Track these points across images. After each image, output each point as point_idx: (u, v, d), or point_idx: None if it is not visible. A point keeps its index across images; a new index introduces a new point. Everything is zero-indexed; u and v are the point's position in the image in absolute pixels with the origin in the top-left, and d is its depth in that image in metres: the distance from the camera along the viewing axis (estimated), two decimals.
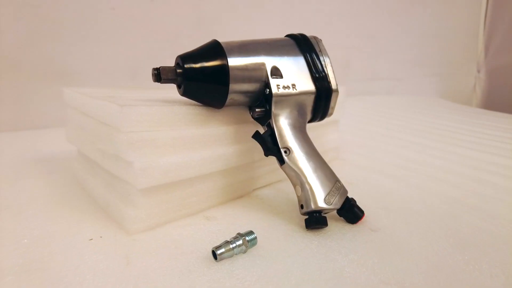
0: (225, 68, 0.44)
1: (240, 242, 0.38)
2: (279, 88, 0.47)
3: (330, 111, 0.53)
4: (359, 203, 0.52)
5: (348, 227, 0.46)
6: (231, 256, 0.38)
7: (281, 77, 0.47)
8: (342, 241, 0.42)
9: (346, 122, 1.08)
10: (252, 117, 0.49)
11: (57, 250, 0.40)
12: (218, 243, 0.38)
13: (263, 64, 0.46)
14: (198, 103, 0.48)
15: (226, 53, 0.44)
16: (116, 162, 0.45)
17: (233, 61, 0.44)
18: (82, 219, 0.47)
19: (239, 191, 0.56)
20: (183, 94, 0.46)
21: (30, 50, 0.92)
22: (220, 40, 0.46)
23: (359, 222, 0.47)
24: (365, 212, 0.49)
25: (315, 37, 0.53)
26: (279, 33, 0.54)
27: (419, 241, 0.42)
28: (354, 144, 0.85)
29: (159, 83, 0.44)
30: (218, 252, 0.37)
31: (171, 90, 0.53)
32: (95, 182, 0.53)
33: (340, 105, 0.71)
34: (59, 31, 0.94)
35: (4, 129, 0.91)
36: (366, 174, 0.65)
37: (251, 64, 0.46)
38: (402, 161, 0.72)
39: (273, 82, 0.47)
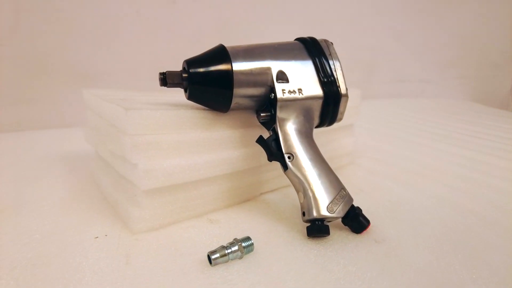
0: (229, 73, 0.44)
1: (236, 248, 0.38)
2: (285, 92, 0.46)
3: (339, 116, 0.51)
4: (367, 211, 0.51)
5: (352, 236, 0.45)
6: (226, 261, 0.38)
7: (287, 81, 0.47)
8: (343, 251, 0.41)
9: (367, 126, 1.05)
10: (259, 121, 0.49)
11: (64, 246, 0.42)
12: (216, 247, 0.39)
13: (269, 69, 0.46)
14: (204, 107, 0.49)
15: (231, 57, 0.44)
16: (123, 163, 0.46)
17: (238, 66, 0.44)
18: (92, 217, 0.49)
19: (245, 194, 0.56)
20: (189, 98, 0.46)
21: (59, 53, 0.96)
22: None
23: (364, 232, 0.45)
24: (372, 221, 0.48)
25: (325, 40, 0.52)
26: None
27: (424, 255, 0.40)
28: (372, 149, 0.83)
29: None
30: (213, 257, 0.37)
31: None
32: (107, 181, 0.55)
33: (355, 109, 0.70)
34: (86, 34, 0.98)
35: (35, 126, 0.96)
36: (379, 181, 0.63)
37: (256, 68, 0.46)
38: (421, 168, 0.69)
39: (279, 86, 0.46)
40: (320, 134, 0.64)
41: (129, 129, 0.42)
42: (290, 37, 0.50)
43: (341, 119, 0.52)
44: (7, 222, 0.47)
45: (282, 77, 0.47)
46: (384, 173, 0.67)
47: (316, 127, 0.52)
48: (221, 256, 0.38)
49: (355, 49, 1.35)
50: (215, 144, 0.49)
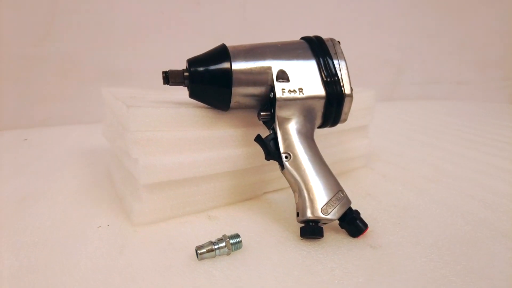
0: (228, 72, 0.44)
1: (223, 244, 0.39)
2: (284, 92, 0.46)
3: (343, 116, 0.50)
4: (370, 216, 0.50)
5: (347, 240, 0.43)
6: (213, 256, 0.39)
7: (288, 80, 0.47)
8: (334, 254, 0.40)
9: (389, 128, 1.02)
10: (259, 120, 0.49)
11: (69, 233, 0.45)
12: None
13: (269, 68, 0.46)
14: (206, 106, 0.50)
15: (231, 57, 0.45)
16: (128, 158, 0.48)
17: (238, 65, 0.45)
18: (100, 208, 0.52)
19: (248, 193, 0.56)
20: (190, 96, 0.47)
21: (89, 54, 1.02)
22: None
23: (361, 236, 0.44)
24: (372, 226, 0.47)
25: (332, 40, 0.51)
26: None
27: (420, 264, 0.38)
28: (390, 152, 0.80)
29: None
30: (199, 251, 0.38)
31: None
32: (117, 175, 0.57)
33: (369, 110, 0.68)
34: (113, 35, 1.03)
35: (64, 122, 1.03)
36: (390, 185, 0.61)
37: (256, 67, 0.46)
38: (438, 174, 0.66)
39: (278, 86, 0.46)
40: (331, 135, 0.63)
41: (131, 125, 0.44)
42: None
43: (345, 119, 0.51)
44: (25, 208, 0.51)
45: (282, 76, 0.46)
46: (397, 178, 0.64)
47: (319, 127, 0.51)
48: (208, 251, 0.38)
49: (383, 48, 1.31)
50: (216, 142, 0.50)
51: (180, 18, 1.10)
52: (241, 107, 0.49)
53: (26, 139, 0.88)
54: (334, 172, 0.66)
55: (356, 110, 0.65)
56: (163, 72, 0.46)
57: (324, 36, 0.51)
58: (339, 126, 0.62)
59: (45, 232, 0.45)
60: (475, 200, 0.54)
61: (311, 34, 0.51)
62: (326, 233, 0.45)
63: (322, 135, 0.61)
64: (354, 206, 0.51)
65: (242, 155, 0.52)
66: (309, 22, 1.23)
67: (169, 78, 0.46)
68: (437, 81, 1.41)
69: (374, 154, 0.77)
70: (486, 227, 0.46)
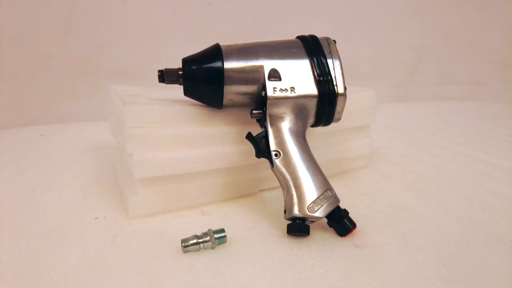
0: (220, 70, 0.45)
1: (208, 238, 0.40)
2: (276, 90, 0.47)
3: (336, 116, 0.50)
4: (363, 216, 0.49)
5: (334, 239, 0.44)
6: (198, 250, 0.40)
7: (280, 79, 0.47)
8: (317, 252, 0.40)
9: (398, 129, 1.00)
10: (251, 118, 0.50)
11: (68, 223, 0.47)
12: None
13: (261, 67, 0.47)
14: (201, 104, 0.51)
15: (224, 55, 0.46)
16: (126, 153, 0.50)
17: (230, 64, 0.46)
18: (101, 201, 0.54)
19: (243, 190, 0.57)
20: (185, 94, 0.49)
21: (104, 54, 1.06)
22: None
23: (349, 235, 0.44)
24: (362, 226, 0.46)
25: (327, 38, 0.51)
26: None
27: (404, 266, 0.38)
28: (395, 153, 0.78)
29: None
30: (184, 244, 0.39)
31: None
32: (119, 170, 0.60)
33: (370, 110, 0.67)
34: (127, 35, 1.07)
35: (81, 119, 1.07)
36: (389, 186, 0.60)
37: (248, 66, 0.47)
38: (441, 176, 0.64)
39: (270, 84, 0.47)
40: (331, 134, 0.63)
41: (126, 121, 0.46)
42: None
43: (339, 119, 0.51)
44: (32, 199, 0.54)
45: (274, 75, 0.47)
46: (398, 178, 0.63)
47: (313, 126, 0.52)
48: (192, 244, 0.39)
49: (396, 48, 1.28)
50: (210, 139, 0.51)
51: (191, 18, 1.12)
52: (234, 105, 0.50)
53: (43, 135, 0.93)
54: (334, 171, 0.66)
55: (357, 110, 0.65)
56: (159, 71, 0.48)
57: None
58: (338, 125, 0.62)
59: (46, 222, 0.47)
60: (474, 203, 0.53)
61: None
62: (314, 231, 0.45)
63: (321, 134, 0.62)
64: (348, 205, 0.51)
65: (237, 153, 0.53)
66: (321, 22, 1.22)
67: (164, 76, 0.47)
68: (454, 81, 1.36)
69: (378, 154, 0.76)
70: (480, 231, 0.45)
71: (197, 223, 0.48)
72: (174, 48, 1.12)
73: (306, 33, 0.52)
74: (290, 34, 0.53)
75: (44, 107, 1.04)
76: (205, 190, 0.53)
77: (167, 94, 0.63)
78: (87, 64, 1.06)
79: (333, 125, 0.61)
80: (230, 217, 0.50)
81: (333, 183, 0.62)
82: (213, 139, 0.51)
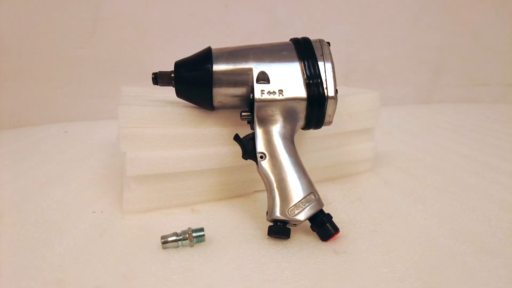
0: (208, 73, 0.47)
1: (186, 236, 0.41)
2: (263, 93, 0.47)
3: (327, 119, 0.49)
4: (351, 221, 0.49)
5: (314, 243, 0.43)
6: (176, 247, 0.41)
7: (268, 82, 0.47)
8: (292, 256, 0.40)
9: (416, 132, 0.96)
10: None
11: (67, 216, 0.50)
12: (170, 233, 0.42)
13: (250, 69, 0.47)
14: (194, 105, 0.52)
15: (213, 58, 0.47)
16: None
17: (219, 66, 0.47)
18: (103, 196, 0.57)
19: (236, 190, 0.58)
20: (177, 96, 0.50)
21: (126, 55, 1.11)
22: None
23: (331, 239, 0.44)
24: (347, 231, 0.46)
25: (320, 41, 0.50)
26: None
27: (378, 275, 0.37)
28: (405, 157, 0.76)
29: None
30: (162, 241, 0.41)
31: None
32: (122, 167, 0.63)
33: (373, 113, 0.65)
34: (148, 37, 1.11)
35: (103, 117, 1.13)
36: (386, 192, 0.58)
37: (237, 69, 0.47)
38: (447, 182, 0.61)
39: (258, 87, 0.47)
40: (329, 137, 0.62)
41: (120, 121, 0.49)
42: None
43: (330, 122, 0.50)
44: (41, 192, 0.59)
45: (263, 78, 0.47)
46: (399, 184, 0.61)
47: (304, 128, 0.51)
48: (171, 241, 0.41)
49: (418, 48, 1.22)
50: (202, 140, 0.52)
51: (209, 20, 1.15)
52: (225, 107, 0.51)
53: (66, 132, 0.99)
54: (334, 174, 0.66)
55: (357, 113, 0.63)
56: (153, 74, 0.50)
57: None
58: (337, 128, 0.62)
59: (47, 213, 0.51)
60: (474, 213, 0.50)
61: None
62: (296, 235, 0.45)
63: (320, 136, 0.61)
64: (339, 210, 0.51)
65: (229, 153, 0.54)
66: (339, 22, 1.20)
67: (158, 79, 0.49)
68: (483, 83, 1.28)
69: (385, 158, 0.74)
70: (472, 243, 0.43)
71: (184, 221, 0.49)
72: (192, 49, 1.14)
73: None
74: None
75: (70, 105, 1.11)
76: (198, 189, 0.55)
77: (171, 95, 0.65)
78: (110, 65, 1.12)
79: (331, 127, 0.60)
80: (217, 216, 0.51)
81: (331, 187, 0.61)
82: (205, 139, 0.53)
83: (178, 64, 0.49)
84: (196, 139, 0.52)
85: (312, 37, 0.52)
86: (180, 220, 0.49)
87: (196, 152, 0.52)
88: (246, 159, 0.48)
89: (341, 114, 0.62)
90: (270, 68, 0.48)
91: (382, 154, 0.77)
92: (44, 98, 1.09)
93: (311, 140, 0.61)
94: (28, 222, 0.48)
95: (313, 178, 0.64)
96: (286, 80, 0.47)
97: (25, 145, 0.87)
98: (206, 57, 0.48)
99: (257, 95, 0.47)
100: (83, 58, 1.09)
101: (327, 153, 0.63)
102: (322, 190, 0.59)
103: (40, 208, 0.52)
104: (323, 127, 0.54)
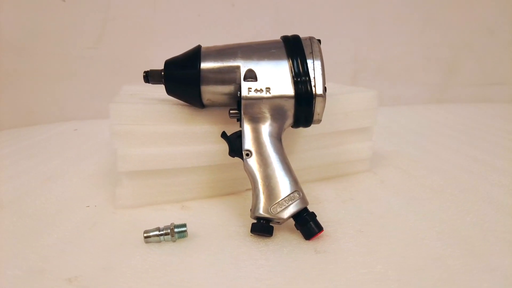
0: (195, 71, 0.47)
1: (168, 231, 0.42)
2: (250, 91, 0.47)
3: (316, 117, 0.49)
4: (339, 220, 0.48)
5: (296, 242, 0.43)
6: (159, 241, 0.42)
7: (256, 80, 0.47)
8: (272, 254, 0.40)
9: (422, 132, 0.94)
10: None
11: (63, 209, 0.52)
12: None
13: (238, 67, 0.48)
14: (185, 103, 0.53)
15: (201, 56, 0.48)
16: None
17: (206, 64, 0.48)
18: (101, 190, 0.59)
19: (228, 188, 0.58)
20: (167, 93, 0.51)
21: (134, 55, 1.14)
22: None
23: (314, 238, 0.43)
24: (332, 231, 0.45)
25: (311, 38, 0.50)
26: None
27: (355, 276, 0.36)
28: (407, 158, 0.74)
29: None
30: (145, 235, 0.42)
31: None
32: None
33: (370, 112, 0.64)
34: (155, 37, 1.14)
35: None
36: (381, 192, 0.57)
37: (225, 67, 0.48)
38: (446, 184, 0.59)
39: (245, 85, 0.47)
40: (324, 136, 0.62)
41: (111, 119, 0.50)
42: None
43: (319, 120, 0.50)
44: (44, 186, 0.61)
45: (250, 75, 0.47)
46: (396, 185, 0.60)
47: (293, 127, 0.51)
48: (153, 236, 0.42)
49: (430, 46, 1.18)
50: (192, 137, 0.53)
51: (216, 20, 1.16)
52: (215, 105, 0.51)
53: (76, 129, 1.03)
54: (330, 173, 0.65)
55: (353, 112, 0.62)
56: (144, 72, 0.51)
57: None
58: (332, 127, 0.61)
59: (45, 207, 0.53)
60: (468, 216, 0.48)
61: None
62: (280, 232, 0.45)
63: (314, 135, 0.60)
64: (328, 209, 0.51)
65: (220, 151, 0.54)
66: (347, 20, 1.18)
67: (149, 77, 0.50)
68: (499, 82, 1.22)
69: (386, 158, 0.73)
70: (461, 246, 0.41)
71: (173, 217, 0.50)
72: None
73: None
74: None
75: (81, 104, 1.15)
76: (189, 186, 0.55)
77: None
78: (119, 65, 1.15)
79: (326, 126, 0.60)
80: (206, 213, 0.51)
81: (325, 186, 0.61)
82: (196, 137, 0.53)
83: (168, 62, 0.50)
84: (186, 137, 0.53)
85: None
86: (169, 216, 0.50)
87: (187, 149, 0.53)
88: (233, 156, 0.49)
89: (336, 113, 0.61)
90: (258, 66, 0.48)
91: (384, 154, 0.75)
92: (57, 97, 1.13)
93: (306, 138, 0.61)
94: (25, 214, 0.50)
95: (308, 177, 0.64)
96: (274, 78, 0.47)
97: (36, 143, 0.90)
98: (194, 55, 0.48)
99: (244, 92, 0.47)
100: (94, 58, 1.12)
101: (322, 152, 0.62)
102: (316, 189, 0.59)
103: (39, 202, 0.55)
104: (316, 126, 0.53)
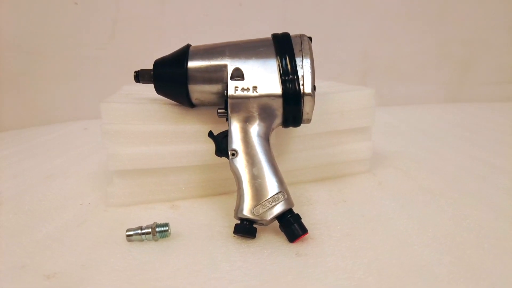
0: (183, 70, 0.47)
1: (149, 230, 0.42)
2: (237, 90, 0.46)
3: (305, 116, 0.48)
4: (327, 223, 0.47)
5: (279, 244, 0.42)
6: (141, 240, 0.42)
7: (243, 78, 0.47)
8: (251, 255, 0.40)
9: (432, 132, 0.91)
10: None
11: (58, 206, 0.53)
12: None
13: (225, 66, 0.47)
14: (176, 103, 0.53)
15: (189, 55, 0.48)
16: None
17: (194, 63, 0.47)
18: (96, 189, 0.60)
19: (220, 188, 0.58)
20: (157, 93, 0.52)
21: (142, 55, 1.16)
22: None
23: (298, 240, 0.42)
24: (318, 234, 0.44)
25: (301, 36, 0.49)
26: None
27: (334, 281, 0.35)
28: (408, 158, 0.71)
29: None
30: (127, 233, 0.42)
31: None
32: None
33: (368, 111, 0.62)
34: (163, 37, 1.15)
35: None
36: (377, 194, 0.55)
37: (212, 65, 0.47)
38: (447, 186, 0.57)
39: (232, 84, 0.47)
40: (319, 136, 0.60)
41: (102, 118, 0.51)
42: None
43: (309, 120, 0.49)
44: (44, 183, 0.63)
45: (237, 74, 0.47)
46: (394, 186, 0.58)
47: (282, 126, 0.50)
48: (135, 235, 0.42)
49: (444, 42, 1.14)
50: (182, 136, 0.53)
51: (223, 19, 1.16)
52: (204, 104, 0.51)
53: (86, 128, 1.05)
54: (326, 174, 0.63)
55: (349, 111, 0.61)
56: (135, 72, 0.51)
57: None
58: (327, 126, 0.60)
59: (41, 203, 0.54)
60: (465, 221, 0.46)
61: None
62: (264, 234, 0.45)
63: (308, 135, 0.59)
64: (318, 211, 0.49)
65: (210, 151, 0.54)
66: (356, 16, 1.15)
67: (139, 77, 0.51)
68: None
69: (388, 159, 0.70)
70: (451, 253, 0.39)
71: (161, 216, 0.50)
72: None
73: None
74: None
75: (92, 104, 1.18)
76: (180, 186, 0.55)
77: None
78: (129, 65, 1.17)
79: (321, 126, 0.59)
80: (194, 212, 0.51)
81: (320, 187, 0.59)
82: (186, 136, 0.53)
83: (157, 62, 0.50)
84: (176, 136, 0.53)
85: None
86: (158, 215, 0.50)
87: (177, 148, 0.53)
88: (219, 156, 0.48)
89: (331, 112, 0.59)
90: (245, 65, 0.47)
91: (386, 155, 0.73)
92: (68, 97, 1.16)
93: (301, 138, 0.59)
94: (21, 211, 0.52)
95: (303, 178, 0.63)
96: (261, 76, 0.47)
97: (45, 141, 0.93)
98: (182, 54, 0.48)
99: (231, 91, 0.46)
100: (101, 58, 1.15)
101: (318, 152, 0.61)
102: (310, 190, 0.58)
103: (37, 199, 0.56)
104: (311, 125, 0.52)
